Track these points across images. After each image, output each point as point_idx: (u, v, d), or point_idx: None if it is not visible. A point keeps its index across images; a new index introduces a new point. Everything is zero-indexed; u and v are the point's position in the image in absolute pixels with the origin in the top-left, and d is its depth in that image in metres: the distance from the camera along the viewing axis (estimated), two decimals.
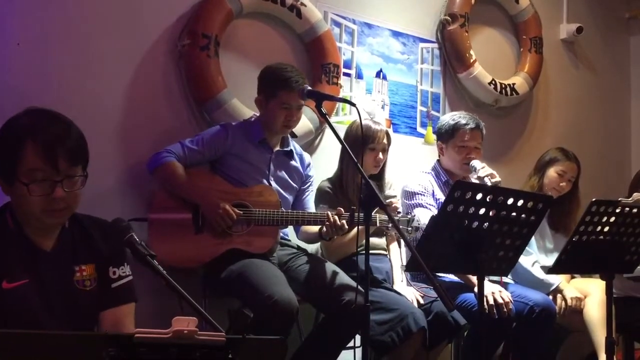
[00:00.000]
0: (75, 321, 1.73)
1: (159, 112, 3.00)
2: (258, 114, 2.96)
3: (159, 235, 2.59)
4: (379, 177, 3.10)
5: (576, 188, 3.61)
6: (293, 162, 2.94)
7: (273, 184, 2.83)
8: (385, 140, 3.03)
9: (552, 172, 3.56)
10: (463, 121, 3.19)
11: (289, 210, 2.81)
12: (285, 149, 2.91)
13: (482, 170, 3.03)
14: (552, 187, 3.54)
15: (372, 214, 2.46)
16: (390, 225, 2.73)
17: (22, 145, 1.63)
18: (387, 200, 2.82)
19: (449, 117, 3.28)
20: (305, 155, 3.05)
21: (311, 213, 2.83)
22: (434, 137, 3.50)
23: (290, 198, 2.91)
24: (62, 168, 1.65)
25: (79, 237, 1.80)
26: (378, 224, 2.72)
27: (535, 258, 3.37)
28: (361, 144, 2.80)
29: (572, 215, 3.55)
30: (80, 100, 2.74)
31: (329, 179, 3.06)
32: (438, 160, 3.32)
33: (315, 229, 2.77)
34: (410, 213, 2.94)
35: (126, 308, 1.85)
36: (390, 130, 3.70)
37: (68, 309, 1.74)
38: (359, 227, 2.43)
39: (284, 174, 2.89)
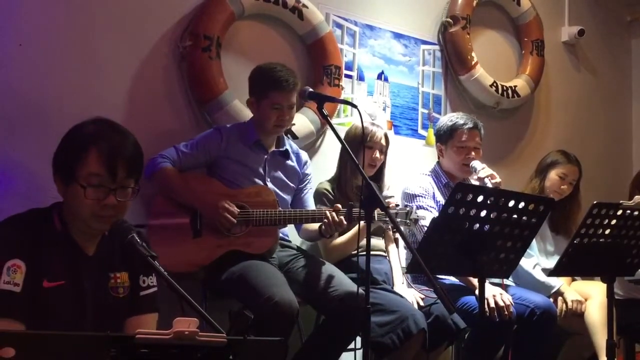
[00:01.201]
0: (104, 326, 1.74)
1: (161, 114, 3.00)
2: None
3: (158, 241, 2.58)
4: (378, 179, 3.09)
5: (577, 190, 3.61)
6: (289, 162, 2.94)
7: (269, 184, 2.82)
8: (383, 142, 3.03)
9: (553, 175, 3.56)
10: (461, 121, 3.19)
11: (287, 209, 2.82)
12: (281, 149, 2.91)
13: (483, 171, 3.03)
14: (553, 190, 3.54)
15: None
16: (390, 223, 2.73)
17: (87, 149, 1.71)
18: (387, 200, 2.83)
19: (446, 119, 3.28)
20: (302, 153, 3.04)
21: (309, 211, 2.82)
22: None
23: (287, 198, 2.91)
24: (119, 177, 1.72)
25: (117, 245, 1.84)
26: (376, 218, 2.71)
27: (536, 260, 3.36)
28: (360, 145, 2.81)
29: (573, 218, 3.55)
30: (82, 101, 2.74)
31: (328, 181, 3.06)
32: (438, 162, 3.32)
33: (315, 226, 2.77)
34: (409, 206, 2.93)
35: (150, 317, 1.88)
36: (392, 133, 3.71)
37: (99, 314, 1.78)
38: (359, 227, 2.44)
39: (280, 174, 2.89)
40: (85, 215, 1.72)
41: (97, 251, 1.81)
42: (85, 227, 1.76)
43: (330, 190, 2.99)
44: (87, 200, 1.70)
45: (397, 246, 3.14)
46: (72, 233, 1.77)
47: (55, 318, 1.70)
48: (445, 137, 3.22)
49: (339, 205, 2.68)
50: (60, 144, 1.78)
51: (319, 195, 2.99)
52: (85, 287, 1.76)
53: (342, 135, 2.88)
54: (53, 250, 1.73)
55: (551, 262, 3.42)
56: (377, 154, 3.01)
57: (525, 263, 3.22)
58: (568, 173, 3.55)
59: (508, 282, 3.16)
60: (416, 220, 2.77)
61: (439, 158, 3.31)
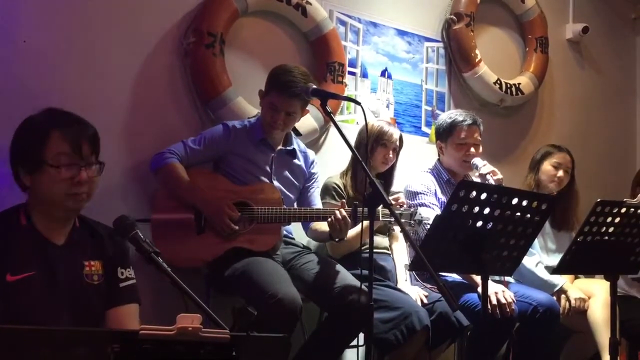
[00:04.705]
0: (80, 314, 1.78)
1: (164, 110, 3.01)
2: None
3: (161, 236, 2.59)
4: (388, 179, 3.11)
5: (573, 181, 3.60)
6: (296, 161, 2.93)
7: (276, 182, 2.82)
8: (397, 143, 3.07)
9: (546, 166, 3.57)
10: (460, 118, 3.19)
11: (292, 207, 2.81)
12: (288, 147, 2.91)
13: (484, 168, 3.03)
14: (550, 181, 3.53)
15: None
16: (393, 219, 2.72)
17: (49, 132, 1.77)
18: (394, 196, 2.83)
19: (445, 116, 3.29)
20: (310, 152, 3.04)
21: (314, 209, 2.82)
22: None
23: (293, 196, 2.91)
24: (85, 154, 1.79)
25: (88, 235, 1.88)
26: (381, 218, 2.71)
27: (539, 258, 3.36)
28: (374, 143, 2.88)
29: (573, 211, 3.55)
30: (86, 97, 2.75)
31: (339, 174, 3.06)
32: (438, 160, 3.32)
33: (324, 227, 2.75)
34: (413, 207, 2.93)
35: (132, 308, 1.91)
36: None
37: (75, 302, 1.79)
38: (363, 224, 2.43)
39: (286, 172, 2.88)
40: (60, 196, 1.77)
41: (67, 241, 1.84)
42: (60, 210, 1.80)
43: (340, 185, 3.00)
44: (62, 179, 1.75)
45: (406, 240, 3.13)
46: (40, 227, 1.80)
47: (28, 309, 1.71)
48: (445, 134, 3.22)
49: (344, 201, 2.67)
50: (16, 136, 1.82)
51: (328, 189, 3.00)
52: (57, 275, 1.78)
53: (348, 134, 2.88)
54: (17, 244, 1.75)
55: (553, 260, 3.41)
56: (391, 154, 3.04)
57: (528, 261, 3.21)
58: (561, 161, 3.56)
59: (508, 278, 3.16)
60: (420, 221, 2.77)
61: (439, 155, 3.31)
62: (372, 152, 3.01)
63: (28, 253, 1.75)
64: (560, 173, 3.53)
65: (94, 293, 1.83)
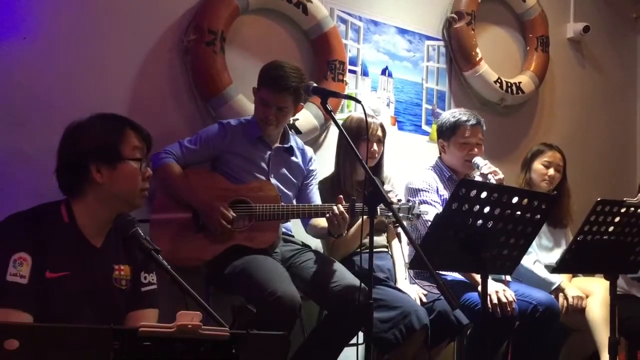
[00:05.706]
0: (105, 318, 1.78)
1: (165, 108, 3.01)
2: None
3: (161, 236, 2.58)
4: (377, 172, 3.08)
5: (564, 179, 3.60)
6: (294, 158, 2.93)
7: (273, 180, 2.82)
8: (379, 132, 3.02)
9: (537, 165, 3.57)
10: (464, 118, 3.18)
11: (290, 204, 2.81)
12: (285, 145, 2.90)
13: (485, 167, 3.02)
14: (541, 180, 3.53)
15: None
16: (390, 214, 2.70)
17: (125, 128, 1.86)
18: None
19: (449, 115, 3.27)
20: (308, 149, 3.04)
21: (312, 205, 2.81)
22: None
23: (291, 194, 2.90)
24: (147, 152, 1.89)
25: (122, 239, 1.89)
26: (379, 212, 2.69)
27: (536, 257, 3.36)
28: (355, 138, 2.82)
29: (566, 208, 3.56)
30: (86, 95, 2.75)
31: (322, 180, 3.04)
32: (439, 158, 3.31)
33: (324, 223, 2.75)
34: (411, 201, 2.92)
35: (151, 312, 1.92)
36: (395, 128, 3.71)
37: (102, 305, 1.81)
38: (362, 221, 2.42)
39: (284, 170, 2.88)
40: (135, 191, 1.83)
41: (105, 243, 1.84)
42: (128, 206, 1.84)
43: (327, 188, 2.98)
44: (139, 173, 1.82)
45: (400, 241, 3.13)
46: (81, 226, 1.80)
47: (60, 308, 1.72)
48: (448, 133, 3.21)
49: (341, 197, 2.67)
50: (86, 133, 1.83)
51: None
52: (90, 278, 1.79)
53: None
54: (58, 242, 1.75)
55: (549, 257, 3.42)
56: (375, 146, 3.01)
57: (525, 259, 3.20)
58: (551, 159, 3.55)
59: (507, 277, 3.15)
60: (418, 215, 2.77)
61: (440, 154, 3.30)
62: (357, 149, 2.96)
63: (68, 252, 1.77)
64: (551, 171, 3.54)
65: (120, 297, 1.85)
